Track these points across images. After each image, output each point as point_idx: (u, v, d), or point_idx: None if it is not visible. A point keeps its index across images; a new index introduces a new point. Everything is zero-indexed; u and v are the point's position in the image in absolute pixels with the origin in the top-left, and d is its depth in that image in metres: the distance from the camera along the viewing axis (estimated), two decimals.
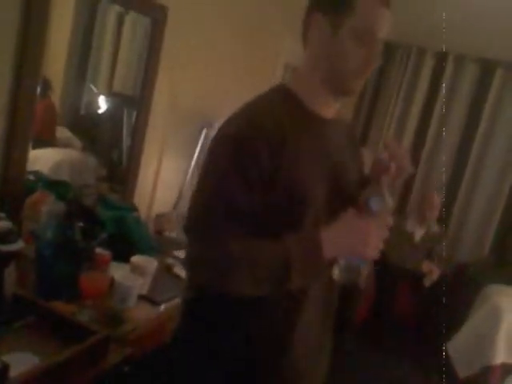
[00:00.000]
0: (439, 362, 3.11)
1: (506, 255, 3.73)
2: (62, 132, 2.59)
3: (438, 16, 3.81)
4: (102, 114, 2.71)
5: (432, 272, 3.58)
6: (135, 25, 2.57)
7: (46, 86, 2.46)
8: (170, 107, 2.43)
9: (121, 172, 2.38)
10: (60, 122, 2.57)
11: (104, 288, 1.44)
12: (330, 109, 1.13)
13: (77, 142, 2.62)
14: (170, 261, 2.02)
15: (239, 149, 0.98)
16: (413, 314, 3.51)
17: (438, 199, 3.77)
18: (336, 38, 1.02)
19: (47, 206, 1.56)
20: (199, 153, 2.54)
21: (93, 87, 2.65)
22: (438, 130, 4.20)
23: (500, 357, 2.93)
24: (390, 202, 1.04)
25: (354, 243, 1.00)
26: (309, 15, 1.07)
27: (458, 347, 3.14)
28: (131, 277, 1.57)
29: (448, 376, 3.04)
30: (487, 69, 4.00)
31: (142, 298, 1.63)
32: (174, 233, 2.36)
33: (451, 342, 3.18)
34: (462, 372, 3.05)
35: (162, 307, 1.67)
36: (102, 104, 2.70)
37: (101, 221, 1.73)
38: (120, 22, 2.68)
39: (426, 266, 3.60)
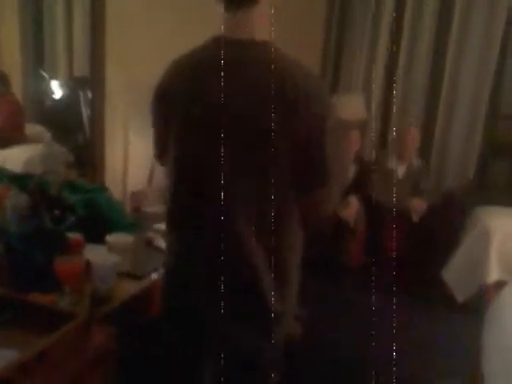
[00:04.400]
0: (437, 292, 3.18)
1: (489, 177, 3.74)
2: (31, 128, 2.53)
3: None
4: (61, 99, 2.65)
5: (419, 207, 3.60)
6: (83, 6, 2.47)
7: (3, 80, 2.39)
8: (126, 84, 2.36)
9: (87, 155, 2.33)
10: (26, 117, 2.52)
11: (79, 271, 1.43)
12: None
13: (46, 135, 2.57)
14: (150, 235, 2.01)
15: None
16: (405, 250, 3.55)
17: (414, 132, 3.76)
18: None
19: (10, 200, 1.53)
20: None
21: (44, 74, 2.57)
22: (408, 60, 4.10)
23: (494, 275, 2.99)
24: None
25: None
26: None
27: (452, 272, 3.20)
28: (107, 255, 1.56)
29: (448, 302, 3.10)
30: None
31: (124, 274, 1.63)
32: (152, 207, 2.34)
33: (446, 269, 3.24)
34: (460, 296, 3.11)
35: (146, 280, 1.67)
36: (58, 90, 2.63)
37: (70, 206, 1.71)
38: (69, 5, 2.59)
39: (412, 203, 3.62)
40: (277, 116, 1.06)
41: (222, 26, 1.13)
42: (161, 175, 2.55)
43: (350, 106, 3.79)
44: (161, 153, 1.29)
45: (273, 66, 1.07)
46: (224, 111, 1.11)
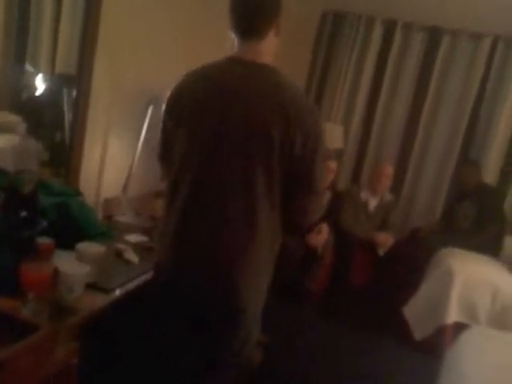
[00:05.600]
0: (396, 327, 3.21)
1: (454, 220, 3.84)
2: (4, 116, 2.44)
3: None
4: (43, 94, 2.57)
5: (386, 241, 3.66)
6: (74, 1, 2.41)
7: None
8: (111, 85, 2.32)
9: (64, 155, 2.26)
10: (1, 105, 2.42)
11: (46, 278, 1.37)
12: None
13: (21, 126, 2.48)
14: (120, 246, 1.95)
15: None
16: (369, 282, 3.59)
17: (389, 169, 3.84)
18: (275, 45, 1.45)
19: None
20: (147, 131, 2.43)
21: (30, 67, 2.49)
22: (388, 101, 4.24)
23: (453, 316, 3.05)
24: None
25: None
26: (272, 20, 1.40)
27: (413, 310, 3.24)
28: (76, 265, 1.50)
29: (405, 339, 3.14)
30: (434, 36, 4.05)
31: (90, 286, 1.57)
32: (125, 217, 2.28)
33: (407, 306, 3.28)
34: (418, 334, 3.15)
35: (114, 294, 1.61)
36: (42, 84, 2.56)
37: (42, 208, 1.64)
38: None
39: (379, 236, 3.68)
40: (278, 126, 1.29)
41: (235, 49, 1.41)
42: (137, 184, 2.51)
43: (329, 135, 3.84)
44: (164, 154, 1.52)
45: (275, 82, 1.36)
46: (231, 121, 1.33)
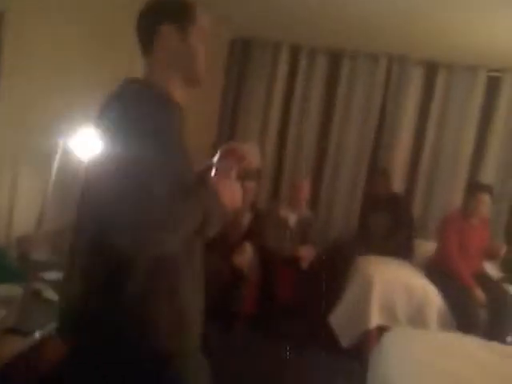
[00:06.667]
0: (326, 336, 3.31)
1: (370, 229, 4.07)
2: None
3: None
4: None
5: (308, 254, 3.78)
6: None
7: None
8: (17, 119, 2.22)
9: None
10: None
11: None
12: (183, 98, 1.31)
13: None
14: (38, 285, 1.86)
15: None
16: (296, 296, 3.68)
17: (306, 185, 4.00)
18: (185, 43, 1.27)
19: None
20: (58, 167, 2.35)
21: None
22: (299, 118, 4.45)
23: (375, 320, 3.21)
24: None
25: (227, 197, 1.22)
26: (155, 26, 1.26)
27: (338, 318, 3.37)
28: None
29: (335, 349, 3.24)
30: (335, 59, 4.35)
31: (8, 330, 1.48)
32: (40, 255, 2.18)
33: (332, 315, 3.40)
34: (344, 341, 3.28)
35: (34, 336, 1.53)
36: None
37: None
38: None
39: (300, 251, 3.80)
40: None
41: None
42: (52, 218, 2.41)
43: (248, 155, 3.92)
44: None
45: None
46: None
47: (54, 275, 2.02)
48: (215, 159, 1.50)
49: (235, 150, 1.56)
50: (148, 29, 1.27)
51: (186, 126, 1.27)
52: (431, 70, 4.24)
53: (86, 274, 1.14)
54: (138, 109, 1.09)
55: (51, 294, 1.82)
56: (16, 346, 1.45)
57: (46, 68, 2.35)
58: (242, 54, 4.53)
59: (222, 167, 1.42)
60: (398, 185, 4.29)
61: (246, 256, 3.39)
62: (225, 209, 1.20)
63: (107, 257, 1.08)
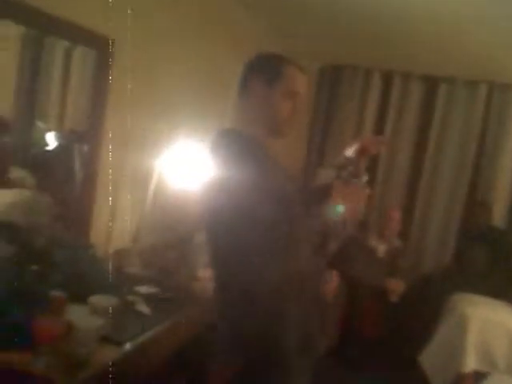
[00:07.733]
0: (413, 377, 3.11)
1: (465, 264, 3.80)
2: (14, 172, 2.49)
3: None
4: (53, 150, 2.63)
5: (397, 287, 3.61)
6: (83, 59, 2.52)
7: None
8: (122, 139, 2.38)
9: (75, 209, 2.29)
10: (12, 161, 2.47)
11: (59, 332, 1.35)
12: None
13: (29, 181, 2.53)
14: (131, 298, 1.94)
15: None
16: (382, 330, 3.51)
17: (397, 214, 3.84)
18: (269, 96, 1.34)
19: None
20: (155, 187, 2.47)
21: (40, 124, 2.57)
22: (391, 144, 4.31)
23: (470, 364, 2.96)
24: (365, 177, 1.44)
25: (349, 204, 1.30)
26: (246, 80, 1.39)
27: (429, 358, 3.15)
28: (89, 318, 1.49)
29: None
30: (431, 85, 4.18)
31: (103, 339, 1.55)
32: (135, 268, 2.28)
33: (423, 354, 3.19)
34: (436, 383, 3.05)
35: (126, 347, 1.59)
36: (53, 141, 2.63)
37: (55, 262, 1.65)
38: (68, 56, 2.62)
39: (390, 283, 3.63)
40: None
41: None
42: (146, 235, 2.53)
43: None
44: None
45: None
46: None
47: (144, 289, 2.10)
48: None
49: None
50: (241, 82, 1.40)
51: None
52: None
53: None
54: (237, 149, 1.27)
55: (143, 308, 1.89)
56: (109, 353, 1.51)
57: (148, 89, 2.51)
58: (331, 80, 4.50)
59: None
60: (499, 217, 3.97)
61: (332, 284, 3.31)
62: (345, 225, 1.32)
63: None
